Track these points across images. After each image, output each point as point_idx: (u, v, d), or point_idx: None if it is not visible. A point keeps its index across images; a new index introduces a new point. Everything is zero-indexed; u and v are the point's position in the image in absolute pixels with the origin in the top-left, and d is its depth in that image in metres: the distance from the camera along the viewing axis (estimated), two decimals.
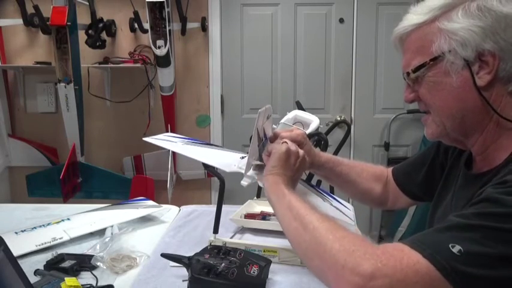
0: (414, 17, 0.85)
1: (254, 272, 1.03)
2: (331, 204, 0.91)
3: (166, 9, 2.64)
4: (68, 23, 2.52)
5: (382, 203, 1.22)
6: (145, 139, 1.09)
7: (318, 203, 0.91)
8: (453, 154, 1.01)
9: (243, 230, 1.42)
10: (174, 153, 2.92)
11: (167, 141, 1.10)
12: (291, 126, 1.13)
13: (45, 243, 1.31)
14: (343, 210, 0.89)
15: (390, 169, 1.22)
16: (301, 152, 0.97)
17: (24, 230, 1.39)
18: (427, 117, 0.88)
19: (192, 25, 3.07)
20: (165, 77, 2.87)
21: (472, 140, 0.86)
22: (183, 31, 3.05)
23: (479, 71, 0.79)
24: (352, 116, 3.28)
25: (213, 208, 1.36)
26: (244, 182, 0.91)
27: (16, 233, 1.37)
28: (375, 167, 1.24)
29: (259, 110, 0.84)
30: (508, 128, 0.81)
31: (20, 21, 2.91)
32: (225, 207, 1.32)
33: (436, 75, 0.82)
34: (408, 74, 0.85)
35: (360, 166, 1.22)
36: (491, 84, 0.79)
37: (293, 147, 0.96)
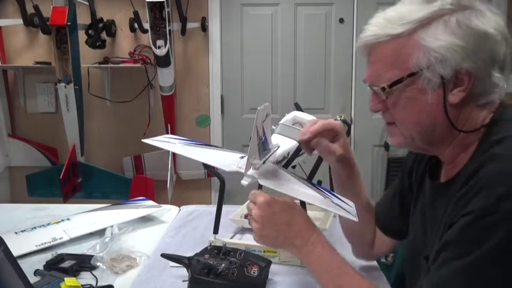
0: (389, 26, 0.80)
1: (254, 273, 1.02)
2: (333, 202, 0.90)
3: (166, 9, 2.64)
4: (68, 23, 2.52)
5: (371, 248, 1.16)
6: (145, 140, 1.09)
7: (318, 201, 0.91)
8: (417, 174, 1.00)
9: (243, 230, 1.42)
10: (174, 153, 2.92)
11: (166, 142, 1.10)
12: (291, 127, 1.13)
13: (45, 243, 1.30)
14: (345, 207, 0.89)
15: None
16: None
17: (24, 230, 1.39)
18: (393, 128, 0.87)
19: (192, 25, 3.07)
20: (165, 77, 2.87)
21: (440, 149, 0.86)
22: (183, 31, 3.05)
23: (453, 88, 0.78)
24: (352, 116, 3.28)
25: (213, 208, 1.36)
26: (245, 182, 0.90)
27: (16, 233, 1.37)
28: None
29: (258, 108, 0.84)
30: (476, 138, 0.81)
31: (20, 21, 2.92)
32: (225, 207, 1.32)
33: (411, 91, 0.80)
34: (384, 88, 0.81)
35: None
36: (463, 100, 0.79)
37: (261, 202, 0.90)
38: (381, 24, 0.82)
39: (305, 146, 1.01)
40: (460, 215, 0.73)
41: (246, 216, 1.41)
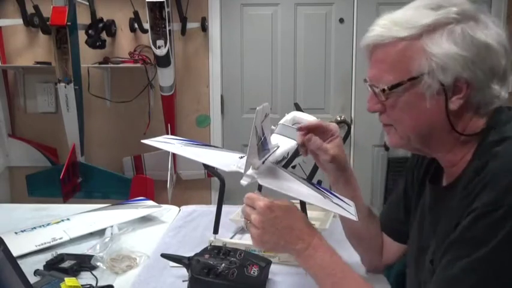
0: (394, 28, 0.82)
1: (254, 273, 1.03)
2: (332, 201, 0.90)
3: (166, 9, 2.64)
4: (68, 23, 2.52)
5: (379, 256, 1.15)
6: (144, 141, 1.09)
7: (318, 200, 0.91)
8: (418, 178, 1.02)
9: (243, 230, 1.42)
10: (174, 153, 2.91)
11: (166, 143, 1.10)
12: (290, 127, 1.13)
13: (45, 243, 1.31)
14: (345, 207, 0.89)
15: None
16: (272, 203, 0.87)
17: (24, 230, 1.39)
18: (390, 129, 0.89)
19: (192, 25, 3.07)
20: (165, 77, 2.87)
21: (439, 152, 0.87)
22: (183, 31, 3.05)
23: (452, 95, 0.79)
24: (352, 116, 3.28)
25: (213, 208, 1.36)
26: (244, 182, 0.90)
27: (16, 233, 1.37)
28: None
29: (257, 108, 0.84)
30: (476, 141, 0.82)
31: (20, 21, 2.92)
32: (225, 207, 1.32)
33: (410, 95, 0.81)
34: (383, 90, 0.83)
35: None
36: (462, 108, 0.80)
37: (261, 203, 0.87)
38: (386, 25, 0.83)
39: (301, 145, 1.01)
40: (466, 214, 0.73)
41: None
